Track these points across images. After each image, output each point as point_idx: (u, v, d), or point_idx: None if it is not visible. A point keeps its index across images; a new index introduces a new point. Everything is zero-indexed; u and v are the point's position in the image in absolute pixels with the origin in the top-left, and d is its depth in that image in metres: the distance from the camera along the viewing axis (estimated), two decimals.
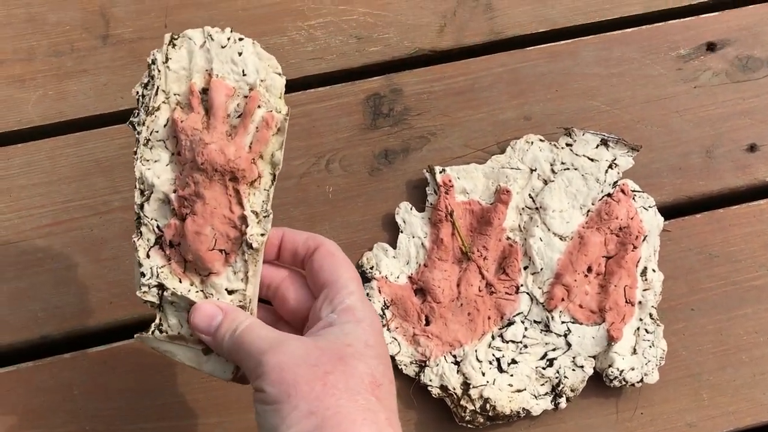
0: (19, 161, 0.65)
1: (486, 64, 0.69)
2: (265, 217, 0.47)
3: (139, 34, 0.69)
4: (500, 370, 0.58)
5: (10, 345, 0.59)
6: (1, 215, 0.63)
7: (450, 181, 0.62)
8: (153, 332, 0.47)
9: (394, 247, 0.62)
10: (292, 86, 0.68)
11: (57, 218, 0.63)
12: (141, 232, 0.47)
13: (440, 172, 0.63)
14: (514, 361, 0.58)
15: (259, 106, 0.47)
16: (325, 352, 0.41)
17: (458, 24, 0.71)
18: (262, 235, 0.46)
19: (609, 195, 0.62)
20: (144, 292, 0.46)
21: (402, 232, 0.62)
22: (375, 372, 0.41)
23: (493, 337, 0.59)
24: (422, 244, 0.62)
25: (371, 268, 0.61)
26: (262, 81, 0.47)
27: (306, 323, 0.47)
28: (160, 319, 0.47)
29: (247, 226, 0.46)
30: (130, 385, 0.58)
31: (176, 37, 0.47)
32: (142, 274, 0.46)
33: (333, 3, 0.71)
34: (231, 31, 0.48)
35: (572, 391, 0.58)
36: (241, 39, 0.48)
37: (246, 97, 0.47)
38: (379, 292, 0.60)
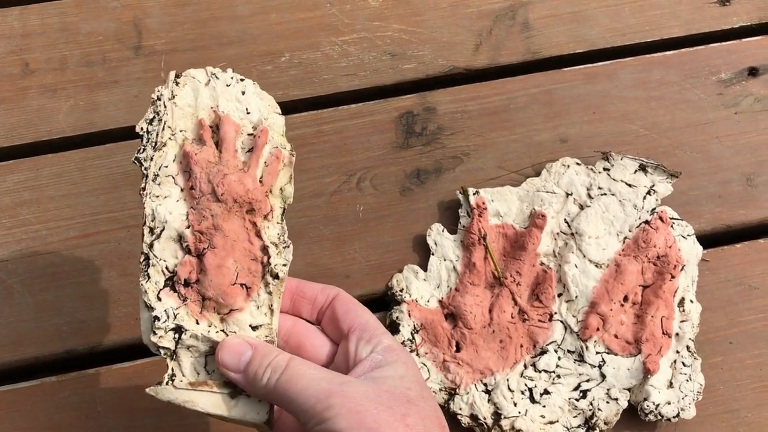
0: (48, 171, 0.64)
1: (522, 84, 0.68)
2: (285, 248, 0.46)
3: (171, 45, 0.69)
4: (532, 400, 0.56)
5: (34, 358, 0.59)
6: (30, 226, 0.62)
7: (483, 203, 0.61)
8: (167, 382, 0.43)
9: (425, 269, 0.61)
10: (324, 102, 0.68)
11: (85, 231, 0.62)
12: (149, 275, 0.44)
13: (474, 194, 0.62)
14: (546, 392, 0.56)
15: (266, 143, 0.48)
16: (392, 394, 0.40)
17: (494, 43, 0.70)
18: (285, 265, 0.46)
19: (647, 222, 0.60)
20: (160, 337, 0.43)
21: (433, 254, 0.61)
22: (438, 414, 0.41)
23: (525, 366, 0.57)
24: (454, 267, 0.60)
25: (401, 290, 0.59)
26: (265, 119, 0.48)
27: (326, 367, 0.46)
28: (173, 369, 0.44)
29: (269, 256, 0.46)
30: (155, 403, 0.56)
31: (179, 75, 0.48)
32: (156, 318, 0.43)
33: (367, 19, 0.71)
34: (232, 71, 0.49)
35: (606, 424, 0.56)
36: (242, 80, 0.49)
37: (250, 135, 0.48)
38: (409, 315, 0.58)
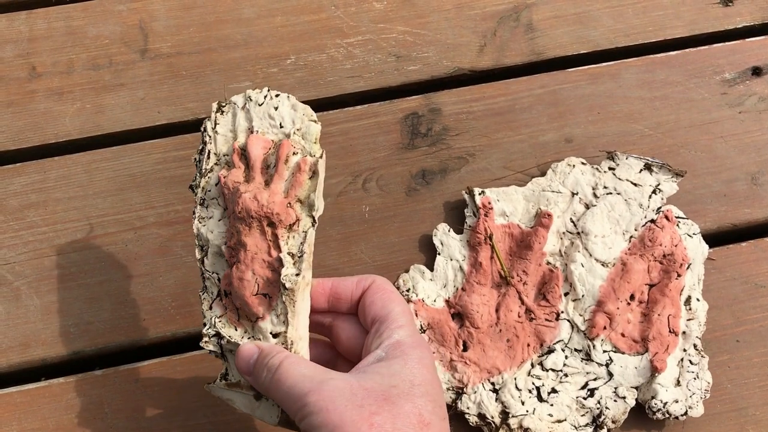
0: (55, 174, 0.64)
1: (526, 85, 0.68)
2: (299, 257, 0.47)
3: (177, 48, 0.69)
4: (540, 399, 0.56)
5: (42, 360, 0.59)
6: (37, 228, 0.62)
7: (489, 203, 0.61)
8: (218, 381, 0.48)
9: (431, 269, 0.61)
10: (330, 104, 0.68)
11: (92, 233, 0.62)
12: (206, 287, 0.48)
13: (479, 194, 0.62)
14: (554, 391, 0.56)
15: (295, 153, 0.49)
16: (370, 392, 0.40)
17: (498, 44, 0.70)
18: (297, 275, 0.46)
19: (652, 221, 0.60)
20: (206, 341, 0.47)
21: (439, 254, 0.61)
22: (422, 411, 0.41)
23: (532, 365, 0.57)
24: (460, 267, 0.60)
25: (408, 290, 0.60)
26: (298, 130, 0.49)
27: (359, 361, 0.46)
28: (226, 368, 0.48)
29: (283, 267, 0.46)
30: (162, 404, 0.57)
31: (224, 104, 0.50)
32: (204, 325, 0.48)
33: (372, 21, 0.71)
34: (268, 90, 0.50)
35: (614, 422, 0.56)
36: (277, 95, 0.50)
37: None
38: (416, 315, 0.59)
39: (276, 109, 0.50)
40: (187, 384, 0.58)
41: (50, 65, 0.69)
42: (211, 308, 0.48)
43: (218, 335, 0.47)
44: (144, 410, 0.57)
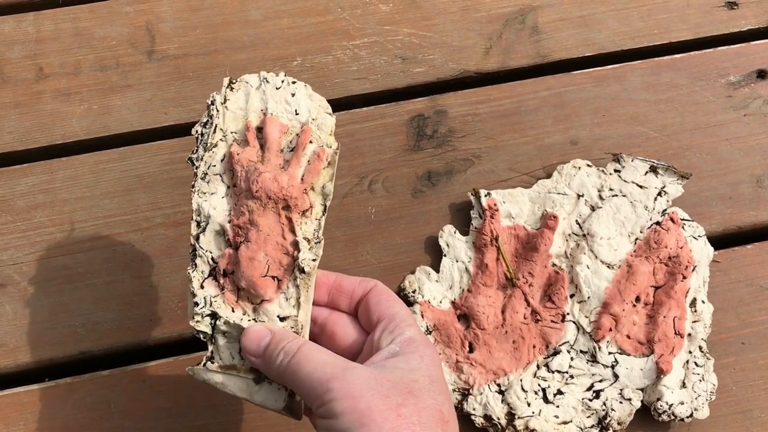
0: (62, 175, 0.65)
1: (532, 87, 0.69)
2: (316, 243, 0.47)
3: (184, 50, 0.70)
4: (546, 400, 0.56)
5: (49, 359, 0.59)
6: (44, 228, 0.63)
7: (495, 205, 0.61)
8: (204, 364, 0.46)
9: (437, 270, 0.61)
10: (336, 105, 0.68)
11: (99, 233, 0.63)
12: (196, 264, 0.47)
13: (485, 196, 0.62)
14: (560, 392, 0.56)
15: (310, 142, 0.49)
16: (395, 384, 0.41)
17: (504, 46, 0.71)
18: (314, 260, 0.47)
19: (658, 223, 0.60)
20: (197, 321, 0.46)
21: (445, 255, 0.61)
22: (443, 408, 0.41)
23: (538, 367, 0.57)
24: (466, 268, 0.61)
25: (413, 291, 0.60)
26: (313, 120, 0.50)
27: (354, 359, 0.46)
28: (212, 352, 0.47)
29: (298, 251, 0.47)
30: (168, 404, 0.57)
31: (234, 81, 0.50)
32: (196, 304, 0.47)
33: (378, 23, 0.71)
34: (285, 75, 0.50)
35: (619, 424, 0.56)
36: (294, 82, 0.50)
37: (298, 135, 0.49)
38: (422, 316, 0.59)
39: (293, 95, 0.50)
40: (193, 384, 0.58)
41: (57, 66, 0.69)
42: (202, 287, 0.47)
43: (213, 315, 0.46)
44: (150, 410, 0.57)
